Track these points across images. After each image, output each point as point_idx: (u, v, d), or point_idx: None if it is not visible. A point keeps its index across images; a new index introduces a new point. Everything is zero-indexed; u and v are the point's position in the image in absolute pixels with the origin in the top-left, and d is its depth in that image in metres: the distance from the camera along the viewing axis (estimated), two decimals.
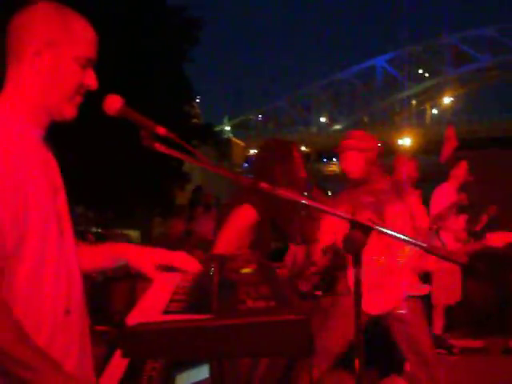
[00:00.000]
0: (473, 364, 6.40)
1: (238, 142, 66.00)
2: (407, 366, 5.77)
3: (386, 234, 1.61)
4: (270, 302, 1.21)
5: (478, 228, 6.86)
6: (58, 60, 1.57)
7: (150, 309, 1.30)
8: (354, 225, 1.56)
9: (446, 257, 1.70)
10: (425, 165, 7.38)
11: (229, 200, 3.31)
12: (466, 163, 6.82)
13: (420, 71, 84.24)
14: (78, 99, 1.63)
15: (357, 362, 1.90)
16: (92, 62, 1.64)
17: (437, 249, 1.84)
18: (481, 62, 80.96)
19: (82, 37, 1.61)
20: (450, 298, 6.76)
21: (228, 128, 76.77)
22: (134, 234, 21.17)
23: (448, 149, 7.59)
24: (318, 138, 75.94)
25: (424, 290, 4.39)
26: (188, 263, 1.75)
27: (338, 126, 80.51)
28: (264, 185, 1.62)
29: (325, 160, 78.29)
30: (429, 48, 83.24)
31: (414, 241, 1.64)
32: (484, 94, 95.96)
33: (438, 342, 6.71)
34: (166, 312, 1.24)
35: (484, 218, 6.90)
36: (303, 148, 76.57)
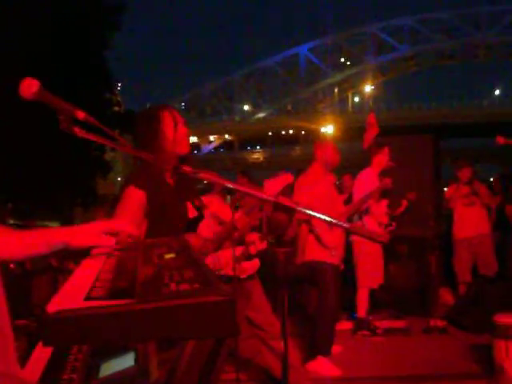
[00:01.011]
0: (396, 344, 6.59)
1: None
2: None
3: (308, 215, 1.63)
4: (193, 284, 1.21)
5: (397, 212, 7.03)
6: None
7: (71, 295, 1.27)
8: (278, 206, 1.57)
9: (368, 236, 1.73)
10: (347, 152, 7.50)
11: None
12: (388, 149, 6.97)
13: (342, 60, 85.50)
14: None
15: (282, 343, 1.93)
16: None
17: (359, 228, 1.88)
18: (400, 51, 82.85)
19: None
20: (373, 281, 6.92)
21: None
22: (54, 225, 20.74)
23: (369, 135, 7.75)
24: (242, 126, 76.24)
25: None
26: (128, 227, 1.73)
27: (261, 114, 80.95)
28: (187, 168, 1.61)
29: (249, 148, 78.75)
30: (350, 37, 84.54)
31: (336, 222, 1.66)
32: (403, 83, 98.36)
33: (363, 324, 6.87)
34: (88, 298, 1.21)
35: (404, 203, 7.08)
36: (227, 136, 76.84)
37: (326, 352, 5.62)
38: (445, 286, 8.33)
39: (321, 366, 5.53)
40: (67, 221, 21.62)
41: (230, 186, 1.72)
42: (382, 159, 6.92)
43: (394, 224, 6.86)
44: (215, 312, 1.12)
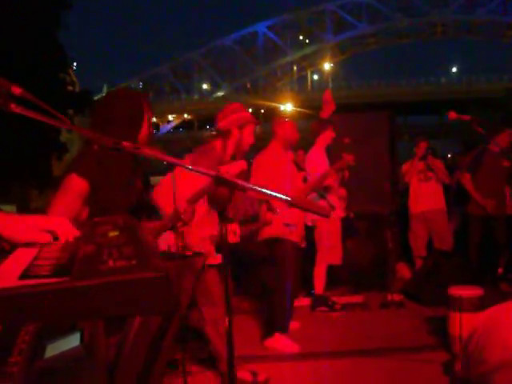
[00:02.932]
0: (354, 319, 6.67)
1: None
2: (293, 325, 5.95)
3: (250, 189, 1.62)
4: (131, 261, 1.19)
5: (346, 178, 7.07)
6: None
7: (7, 274, 1.24)
8: (219, 181, 1.55)
9: (311, 209, 1.73)
10: (305, 130, 7.51)
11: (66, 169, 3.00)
12: (332, 126, 7.02)
13: (301, 37, 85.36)
14: None
15: (227, 320, 1.92)
16: None
17: (301, 201, 1.87)
18: (359, 29, 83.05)
19: None
20: (333, 257, 6.97)
21: None
22: (9, 208, 20.33)
23: (326, 112, 7.75)
24: (201, 105, 75.81)
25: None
26: (68, 228, 1.61)
27: (220, 93, 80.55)
28: (126, 144, 1.58)
29: (208, 127, 78.41)
30: (309, 15, 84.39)
31: (277, 195, 1.65)
32: (362, 61, 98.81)
33: (321, 300, 6.93)
34: (24, 276, 1.19)
35: (346, 173, 7.08)
36: (186, 116, 76.33)
37: (284, 328, 5.65)
38: (401, 261, 8.44)
39: (278, 342, 5.57)
40: (23, 204, 21.25)
41: (174, 162, 1.69)
42: (326, 136, 6.96)
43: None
44: (150, 288, 1.11)
